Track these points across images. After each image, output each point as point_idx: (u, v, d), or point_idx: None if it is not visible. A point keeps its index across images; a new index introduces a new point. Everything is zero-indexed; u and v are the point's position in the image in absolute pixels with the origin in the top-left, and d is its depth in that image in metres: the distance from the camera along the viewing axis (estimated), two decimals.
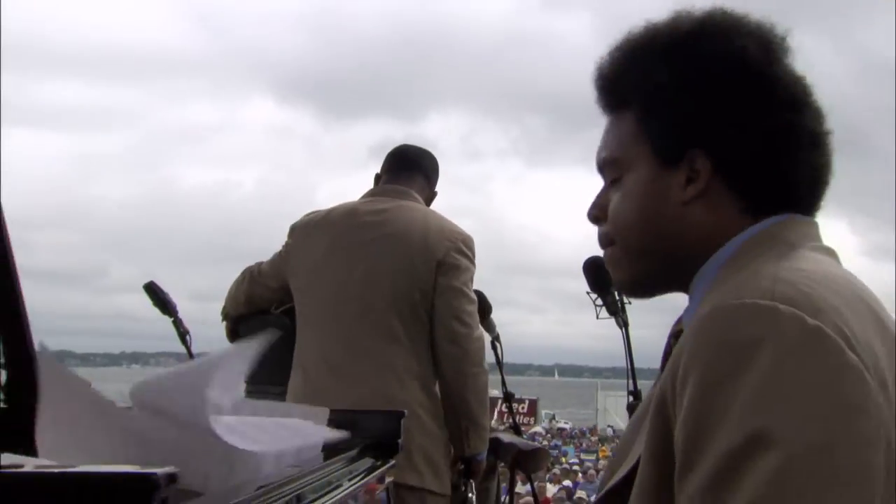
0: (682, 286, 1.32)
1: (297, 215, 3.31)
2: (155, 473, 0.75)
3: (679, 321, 1.33)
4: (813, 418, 1.00)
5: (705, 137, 1.24)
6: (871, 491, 1.00)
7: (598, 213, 1.36)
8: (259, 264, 3.39)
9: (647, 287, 1.37)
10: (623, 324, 3.03)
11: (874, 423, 1.02)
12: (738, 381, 1.02)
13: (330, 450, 1.65)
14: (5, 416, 1.73)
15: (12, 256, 1.79)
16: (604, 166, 1.35)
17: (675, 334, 1.31)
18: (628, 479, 1.20)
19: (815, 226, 1.28)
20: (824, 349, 1.03)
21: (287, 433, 1.42)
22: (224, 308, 3.47)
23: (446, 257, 3.02)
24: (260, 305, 3.38)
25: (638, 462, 1.18)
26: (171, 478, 0.77)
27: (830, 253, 1.25)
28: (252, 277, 3.37)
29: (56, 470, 0.91)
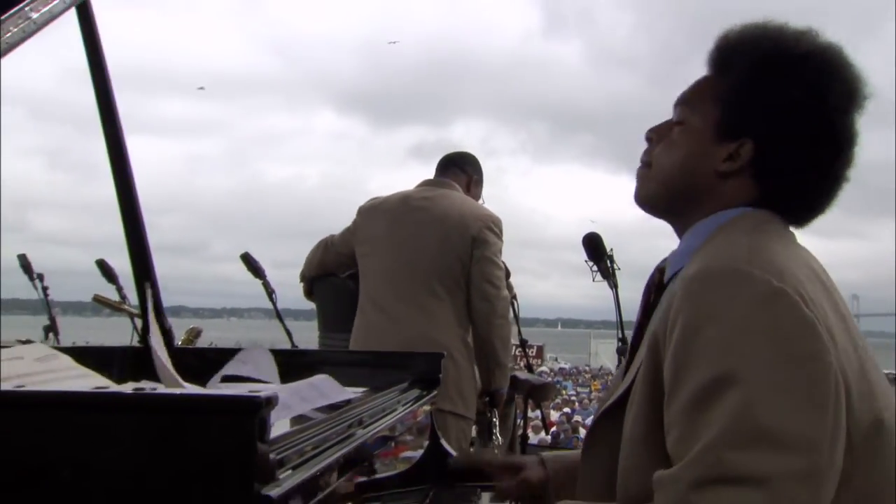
0: (677, 224, 1.29)
1: (353, 202, 3.38)
2: (259, 395, 0.78)
3: (664, 260, 1.30)
4: (773, 361, 1.01)
5: (761, 135, 1.20)
6: (823, 423, 1.00)
7: (653, 136, 1.31)
8: (332, 236, 3.42)
9: (653, 210, 1.31)
10: (613, 285, 3.16)
11: (825, 367, 1.02)
12: (714, 329, 1.03)
13: (387, 383, 1.70)
14: (143, 353, 1.77)
15: (146, 235, 1.86)
16: (679, 104, 1.29)
17: (660, 269, 1.30)
18: (620, 402, 1.19)
19: (789, 230, 1.24)
20: (786, 305, 1.03)
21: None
22: (302, 272, 3.50)
23: (479, 234, 3.07)
24: (330, 270, 3.41)
25: (628, 389, 1.18)
26: (271, 400, 0.79)
27: (795, 240, 1.23)
28: (326, 247, 3.41)
29: (187, 392, 0.96)
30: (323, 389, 1.29)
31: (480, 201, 3.36)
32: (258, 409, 0.77)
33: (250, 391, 0.81)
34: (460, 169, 3.32)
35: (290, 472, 0.90)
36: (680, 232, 1.29)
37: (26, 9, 1.14)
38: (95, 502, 0.78)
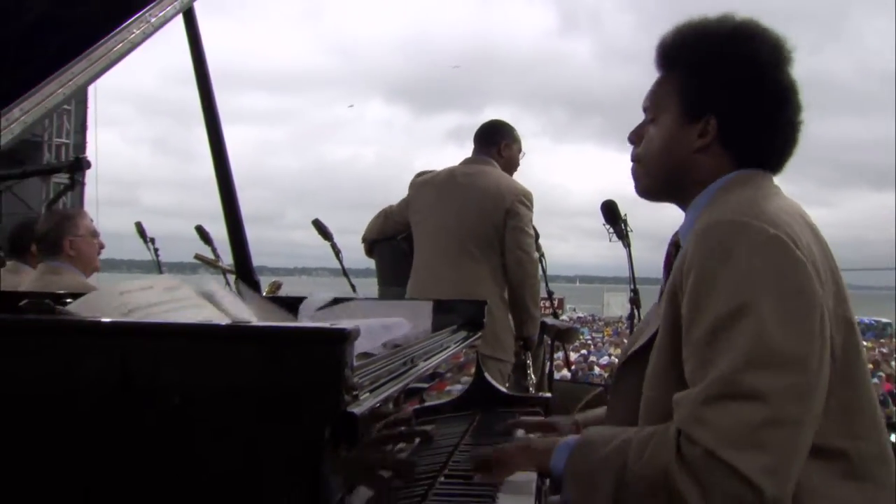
0: (679, 202, 1.30)
1: (401, 178, 3.41)
2: (346, 328, 0.78)
3: (676, 234, 1.32)
4: (772, 296, 1.03)
5: (718, 110, 1.23)
6: (812, 346, 1.03)
7: (635, 138, 1.33)
8: (391, 206, 3.45)
9: (654, 196, 1.33)
10: (627, 245, 3.23)
11: (813, 300, 1.05)
12: (722, 272, 1.05)
13: (439, 325, 1.72)
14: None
15: (239, 206, 1.89)
16: (647, 107, 1.31)
17: (674, 243, 1.31)
18: (646, 348, 1.20)
19: (772, 178, 1.26)
20: (781, 248, 1.05)
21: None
22: (364, 235, 3.53)
23: (512, 206, 3.07)
24: (388, 235, 3.44)
25: (653, 337, 1.19)
26: (355, 333, 0.79)
27: (780, 192, 1.24)
28: (386, 215, 3.45)
29: (279, 325, 0.96)
30: (392, 328, 1.31)
31: (521, 155, 3.33)
32: (345, 339, 0.77)
33: (332, 324, 0.80)
34: (492, 142, 3.27)
35: (367, 394, 0.91)
36: (684, 208, 1.29)
37: (147, 14, 1.15)
38: (208, 419, 0.78)
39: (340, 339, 0.78)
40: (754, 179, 1.22)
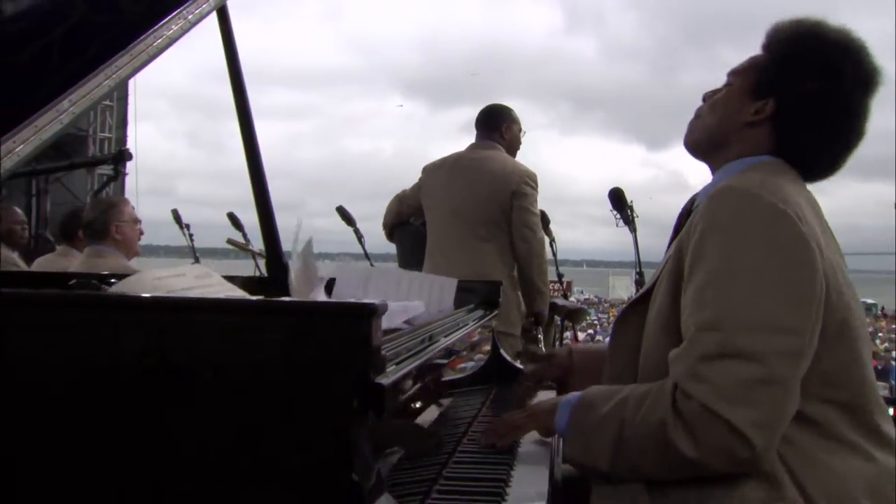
0: (713, 163, 1.29)
1: (418, 169, 3.38)
2: (374, 303, 0.77)
3: (694, 197, 1.30)
4: (774, 263, 1.03)
5: (781, 97, 1.21)
6: (808, 313, 1.03)
7: (709, 95, 1.31)
8: (405, 191, 3.42)
9: (697, 150, 1.32)
10: (633, 230, 3.18)
11: (813, 271, 1.04)
12: (728, 233, 1.05)
13: (458, 305, 1.71)
14: (268, 281, 1.85)
15: (270, 195, 1.88)
16: (730, 73, 1.30)
17: (691, 200, 1.30)
18: (644, 298, 1.21)
19: (801, 180, 1.22)
20: (787, 222, 1.05)
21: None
22: (384, 221, 3.52)
23: (517, 188, 3.04)
24: (404, 218, 3.42)
25: (652, 287, 1.19)
26: (383, 308, 0.79)
27: (805, 187, 1.22)
28: (400, 199, 3.42)
29: (313, 300, 0.96)
30: (410, 309, 1.30)
31: (522, 134, 3.28)
32: (373, 313, 0.77)
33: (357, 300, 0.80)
34: (494, 127, 3.23)
35: (394, 367, 0.91)
36: (714, 170, 1.29)
37: (184, 11, 1.14)
38: (245, 388, 0.78)
39: (369, 314, 0.77)
40: (785, 173, 1.20)
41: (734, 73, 1.30)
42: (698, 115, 1.31)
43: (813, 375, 1.05)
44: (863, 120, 1.22)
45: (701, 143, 1.31)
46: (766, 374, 0.99)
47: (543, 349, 3.17)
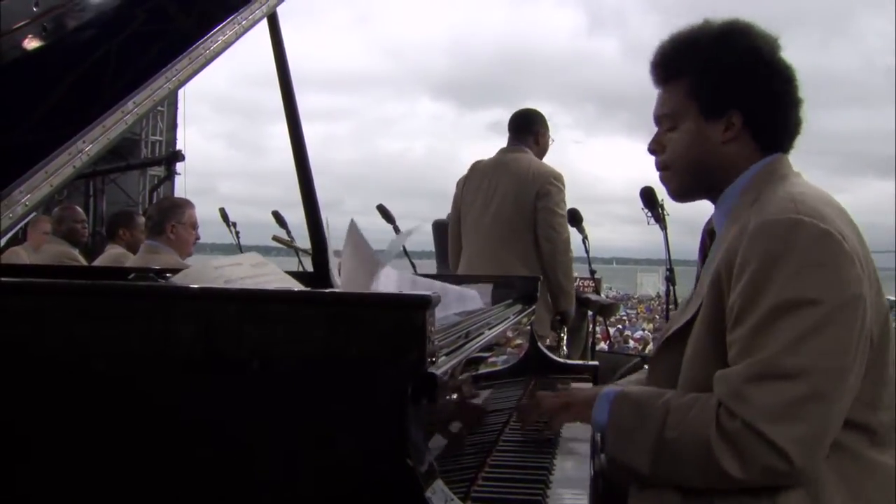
0: (711, 195, 1.24)
1: (448, 169, 3.40)
2: (429, 295, 0.78)
3: (709, 221, 1.27)
4: (825, 288, 1.01)
5: (739, 102, 1.18)
6: (853, 332, 1.01)
7: (655, 147, 1.26)
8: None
9: (689, 195, 1.27)
10: (664, 228, 3.19)
11: (859, 290, 1.02)
12: (780, 267, 1.02)
13: (498, 300, 1.70)
14: (308, 276, 1.84)
15: (316, 193, 1.89)
16: (661, 118, 1.25)
17: (708, 231, 1.27)
18: (683, 330, 1.17)
19: (789, 161, 1.22)
20: (832, 244, 1.03)
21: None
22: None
23: (542, 188, 3.02)
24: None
25: (691, 321, 1.15)
26: (436, 300, 0.79)
27: (801, 176, 1.20)
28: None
29: (370, 292, 0.96)
30: (467, 299, 1.30)
31: (550, 141, 3.26)
32: (428, 305, 0.77)
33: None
34: (529, 131, 3.21)
35: (445, 357, 0.91)
36: (714, 201, 1.24)
37: (238, 17, 1.15)
38: (306, 375, 0.79)
39: (423, 305, 0.77)
40: (779, 169, 1.18)
41: (665, 116, 1.24)
42: (665, 166, 1.25)
43: (864, 387, 1.04)
44: (795, 72, 1.21)
45: (689, 187, 1.25)
46: (808, 391, 0.98)
47: (564, 350, 3.13)
